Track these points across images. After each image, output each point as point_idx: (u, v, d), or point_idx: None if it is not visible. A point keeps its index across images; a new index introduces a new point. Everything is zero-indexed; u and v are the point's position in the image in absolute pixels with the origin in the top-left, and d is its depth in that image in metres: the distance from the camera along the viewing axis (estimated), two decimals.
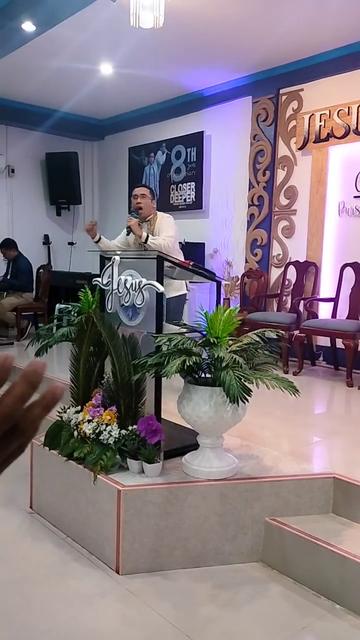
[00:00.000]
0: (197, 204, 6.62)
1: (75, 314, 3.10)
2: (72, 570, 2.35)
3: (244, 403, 2.16)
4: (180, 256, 3.81)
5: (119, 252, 2.85)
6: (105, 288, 2.90)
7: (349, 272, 4.99)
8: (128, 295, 2.73)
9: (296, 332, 4.88)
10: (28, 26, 4.55)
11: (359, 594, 2.06)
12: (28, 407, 0.43)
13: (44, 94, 6.61)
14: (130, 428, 2.50)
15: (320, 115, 5.18)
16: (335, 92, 5.10)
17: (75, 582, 2.26)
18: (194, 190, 6.64)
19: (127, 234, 3.80)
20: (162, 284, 2.60)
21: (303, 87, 5.42)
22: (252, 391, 2.14)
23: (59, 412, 2.76)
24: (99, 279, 2.93)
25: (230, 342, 2.39)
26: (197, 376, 2.43)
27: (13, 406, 0.41)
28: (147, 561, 2.33)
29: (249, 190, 5.96)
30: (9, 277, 6.63)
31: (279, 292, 5.64)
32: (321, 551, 2.19)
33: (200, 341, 2.35)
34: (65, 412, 2.76)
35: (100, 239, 3.88)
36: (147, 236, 3.69)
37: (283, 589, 2.21)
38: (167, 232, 3.79)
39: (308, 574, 2.23)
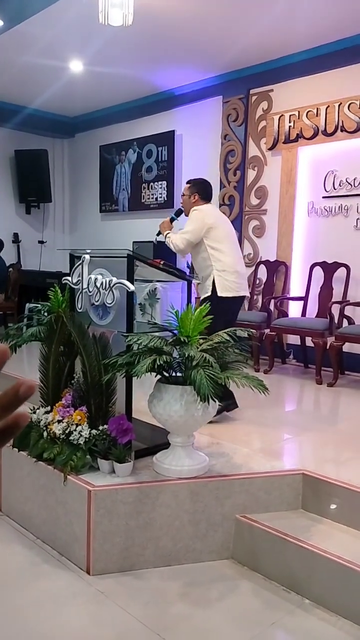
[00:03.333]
0: (168, 203, 6.61)
1: (45, 313, 3.07)
2: (42, 572, 2.33)
3: (214, 402, 2.17)
4: (218, 254, 3.53)
5: (88, 251, 2.83)
6: (75, 287, 2.87)
7: (318, 272, 5.06)
8: (98, 294, 2.71)
9: (267, 331, 4.92)
10: None
11: (327, 588, 2.09)
12: None
13: (13, 90, 6.51)
14: (100, 428, 2.49)
15: (290, 116, 5.23)
16: (305, 93, 5.17)
17: (45, 584, 2.24)
18: (166, 189, 6.64)
19: (157, 234, 3.82)
20: (132, 282, 2.59)
21: (273, 88, 5.47)
22: (222, 390, 2.15)
23: (28, 412, 2.73)
24: (69, 278, 2.90)
25: (201, 340, 2.40)
26: (167, 375, 2.43)
27: None
28: (118, 561, 2.32)
29: (220, 189, 5.98)
30: None
31: (250, 291, 5.68)
32: (290, 547, 2.21)
33: (171, 340, 2.36)
34: (34, 412, 2.73)
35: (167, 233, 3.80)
36: (167, 234, 3.71)
37: (253, 586, 2.23)
38: (185, 228, 3.63)
39: (278, 569, 2.25)
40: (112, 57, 5.33)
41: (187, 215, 3.72)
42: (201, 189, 3.74)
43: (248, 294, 3.76)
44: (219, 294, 3.46)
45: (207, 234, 3.54)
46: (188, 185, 3.79)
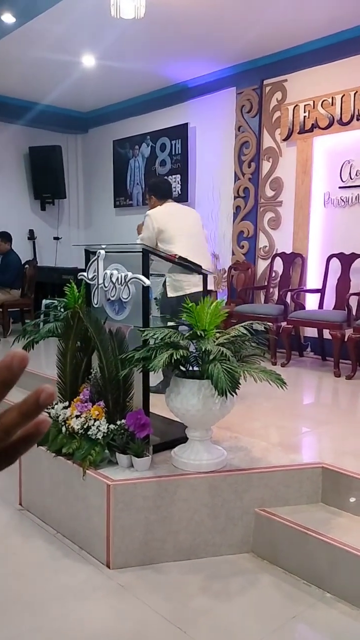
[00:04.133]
0: (182, 197, 6.58)
1: (61, 309, 3.08)
2: (63, 565, 2.35)
3: (232, 396, 2.16)
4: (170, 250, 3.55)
5: (103, 246, 2.83)
6: (91, 283, 2.87)
7: (335, 263, 5.01)
8: (114, 289, 2.71)
9: (283, 324, 4.89)
10: (8, 18, 4.49)
11: (349, 582, 2.08)
12: (4, 412, 0.39)
13: (26, 87, 6.53)
14: (118, 422, 2.49)
15: (305, 106, 5.17)
16: (319, 82, 5.10)
17: (66, 578, 2.26)
18: (180, 182, 6.61)
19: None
20: (147, 277, 2.59)
21: (287, 78, 5.41)
22: (240, 384, 2.14)
23: (47, 408, 2.74)
24: (85, 274, 2.90)
25: (218, 334, 2.38)
26: (184, 369, 2.42)
27: None
28: (138, 555, 2.33)
29: (235, 182, 5.95)
30: None
31: (266, 284, 5.65)
32: (311, 540, 2.20)
33: (188, 334, 2.35)
34: (53, 407, 2.74)
35: None
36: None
37: (274, 579, 2.22)
38: (143, 232, 3.83)
39: (298, 563, 2.24)
40: (125, 51, 5.31)
41: None
42: (155, 190, 3.92)
43: (201, 288, 3.42)
44: (168, 294, 3.59)
45: (158, 236, 3.69)
46: (147, 188, 3.92)
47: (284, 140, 5.42)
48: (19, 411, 0.38)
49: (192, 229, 3.78)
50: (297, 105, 5.23)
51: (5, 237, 6.56)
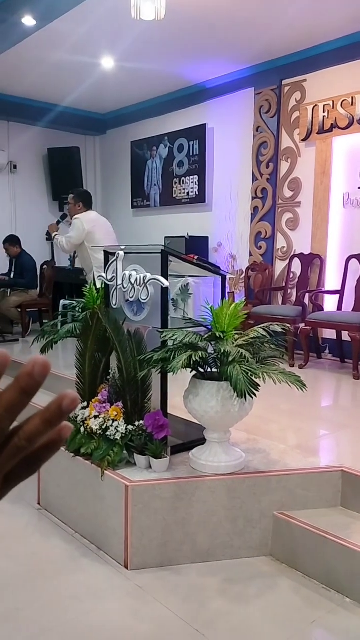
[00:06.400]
0: (200, 198, 6.59)
1: (80, 310, 3.10)
2: (81, 565, 2.36)
3: (252, 398, 2.15)
4: (95, 253, 4.44)
5: (122, 247, 2.83)
6: (110, 283, 2.88)
7: (355, 264, 4.96)
8: (133, 290, 2.71)
9: (302, 325, 4.86)
10: (28, 20, 4.52)
11: None
12: (27, 419, 0.37)
13: (45, 89, 6.58)
14: (137, 423, 2.49)
15: (324, 106, 5.13)
16: (339, 82, 5.06)
17: (84, 578, 2.27)
18: (197, 183, 6.61)
19: (46, 234, 5.00)
20: (167, 278, 2.58)
21: (306, 78, 5.37)
22: (259, 385, 2.13)
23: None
24: (104, 275, 2.91)
25: (237, 336, 2.37)
26: (203, 371, 2.42)
27: (1, 417, 0.35)
28: (156, 556, 2.33)
29: (253, 182, 5.92)
30: (12, 274, 6.64)
31: (283, 285, 5.62)
32: (330, 545, 2.18)
33: (206, 336, 2.34)
34: None
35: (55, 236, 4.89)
36: (55, 235, 4.85)
37: (292, 583, 2.21)
38: (68, 233, 4.71)
39: (317, 567, 2.22)
40: (143, 52, 5.33)
41: (71, 219, 4.73)
42: (84, 199, 4.80)
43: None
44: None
45: (87, 237, 4.58)
46: (72, 195, 4.79)
47: (303, 140, 5.39)
48: (42, 419, 0.37)
49: (112, 235, 4.77)
50: (316, 105, 5.20)
51: (14, 240, 6.60)
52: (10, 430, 0.37)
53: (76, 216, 4.69)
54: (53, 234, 4.86)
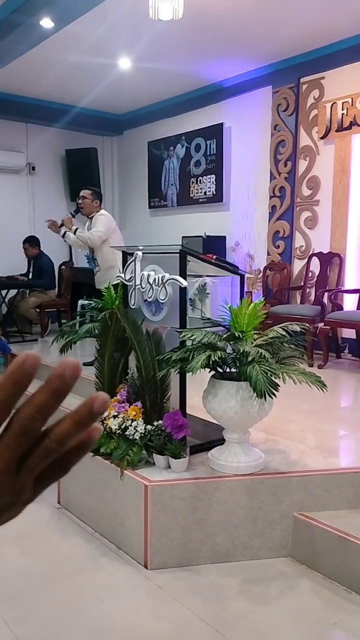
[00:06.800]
0: (217, 197, 6.57)
1: (98, 310, 3.11)
2: (101, 565, 2.37)
3: (271, 398, 2.14)
4: (114, 252, 4.41)
5: (140, 247, 2.84)
6: (128, 284, 2.89)
7: None
8: (151, 290, 2.72)
9: (321, 325, 4.82)
10: (46, 22, 4.55)
11: None
12: (57, 422, 0.37)
13: (63, 90, 6.62)
14: (155, 423, 2.50)
15: (343, 103, 5.08)
16: (357, 79, 5.00)
17: (104, 577, 2.27)
18: (214, 183, 6.59)
19: (60, 226, 4.73)
20: (185, 278, 2.58)
21: (324, 75, 5.32)
22: (279, 386, 2.12)
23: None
24: (122, 275, 2.92)
25: (255, 336, 2.36)
26: (222, 371, 2.41)
27: (31, 418, 0.35)
28: (176, 556, 2.33)
29: (270, 181, 5.89)
30: (31, 275, 6.70)
31: (302, 284, 5.58)
32: (351, 546, 2.16)
33: (225, 335, 2.33)
34: None
35: (65, 234, 4.74)
36: (77, 229, 4.68)
37: (313, 584, 2.19)
38: (97, 228, 4.60)
39: (338, 569, 2.20)
40: (160, 52, 5.33)
41: (85, 214, 4.72)
42: (100, 198, 4.82)
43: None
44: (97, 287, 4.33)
45: (111, 234, 4.64)
46: (90, 191, 4.72)
47: (322, 138, 5.34)
48: (72, 421, 0.37)
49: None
50: (334, 102, 5.15)
51: (34, 241, 6.66)
52: (41, 432, 0.37)
53: (103, 212, 4.72)
54: (72, 228, 4.70)
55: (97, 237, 4.57)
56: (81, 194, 4.74)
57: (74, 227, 4.69)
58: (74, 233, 4.64)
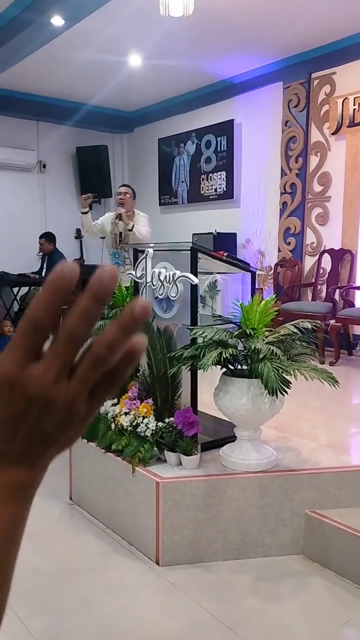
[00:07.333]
0: (228, 194, 6.55)
1: (109, 307, 3.11)
2: (113, 561, 2.38)
3: (283, 395, 2.13)
4: None
5: (151, 245, 2.84)
6: (139, 281, 2.89)
7: None
8: (162, 287, 2.72)
9: (332, 322, 4.79)
10: (57, 20, 4.56)
11: None
12: (103, 331, 0.38)
13: (73, 88, 6.63)
14: (167, 420, 2.50)
15: (354, 98, 5.04)
16: None
17: (116, 574, 2.28)
18: (225, 179, 6.58)
19: (116, 219, 4.56)
20: (196, 275, 2.58)
21: (335, 71, 5.29)
22: (290, 383, 2.11)
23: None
24: (133, 272, 2.93)
25: (267, 333, 2.36)
26: (233, 368, 2.41)
27: (75, 323, 0.36)
28: (187, 553, 2.33)
29: (281, 177, 5.87)
30: (44, 272, 6.73)
31: (313, 281, 5.55)
32: None
33: (236, 333, 2.33)
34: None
35: (87, 212, 4.74)
36: (134, 225, 4.52)
37: (325, 582, 2.18)
38: (145, 226, 4.60)
39: (350, 567, 2.19)
40: (171, 49, 5.32)
41: (127, 210, 4.59)
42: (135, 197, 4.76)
43: None
44: None
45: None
46: (132, 189, 4.71)
47: (333, 134, 5.30)
48: (117, 324, 0.37)
49: None
50: (346, 98, 5.11)
51: (50, 237, 6.70)
52: (89, 344, 0.37)
53: (142, 213, 4.75)
54: (130, 224, 4.54)
55: (148, 234, 4.59)
56: (123, 190, 4.71)
57: (131, 224, 4.55)
58: (131, 229, 4.53)
